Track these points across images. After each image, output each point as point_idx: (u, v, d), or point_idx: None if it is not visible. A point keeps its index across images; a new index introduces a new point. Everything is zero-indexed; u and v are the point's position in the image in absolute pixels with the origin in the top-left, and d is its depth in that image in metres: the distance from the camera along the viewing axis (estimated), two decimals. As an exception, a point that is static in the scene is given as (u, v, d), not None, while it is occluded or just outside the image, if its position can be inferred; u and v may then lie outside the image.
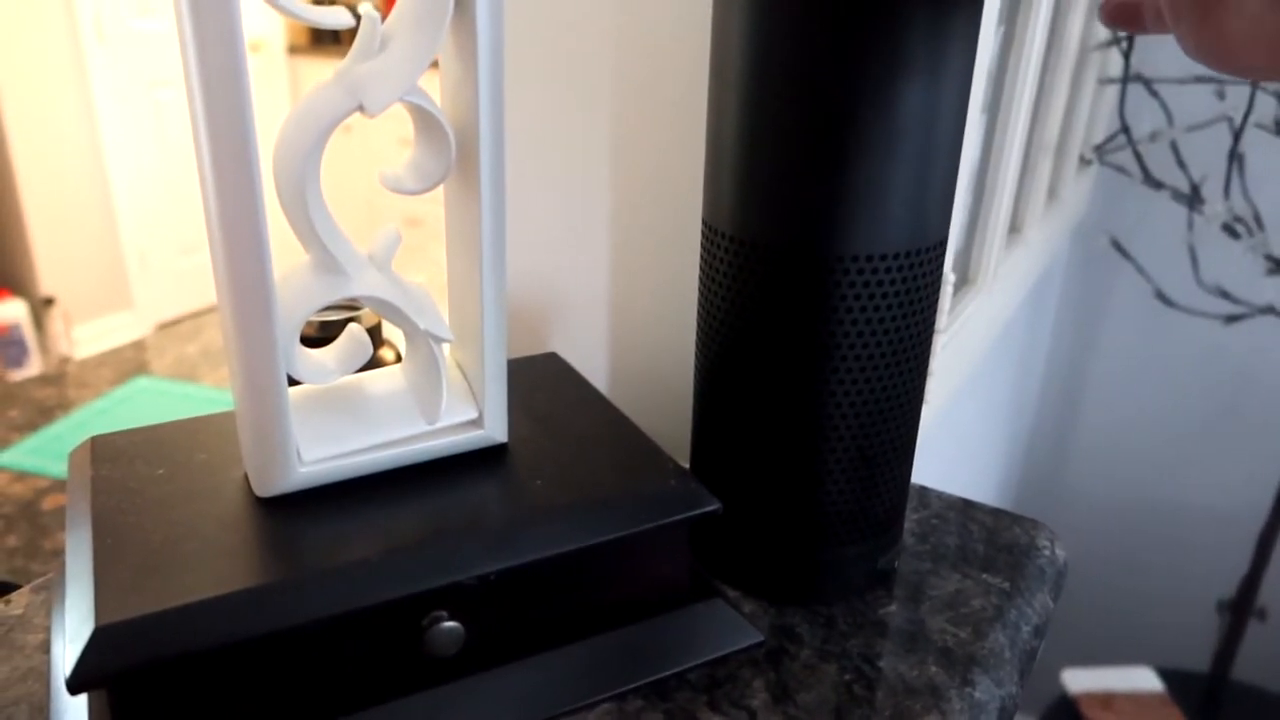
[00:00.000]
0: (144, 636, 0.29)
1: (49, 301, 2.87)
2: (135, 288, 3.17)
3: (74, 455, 0.39)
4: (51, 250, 2.89)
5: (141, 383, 1.32)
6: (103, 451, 0.38)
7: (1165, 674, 1.46)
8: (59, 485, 1.04)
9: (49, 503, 1.00)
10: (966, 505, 0.51)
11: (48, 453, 1.12)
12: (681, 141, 0.50)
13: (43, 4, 2.78)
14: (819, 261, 0.36)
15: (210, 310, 3.34)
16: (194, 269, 3.36)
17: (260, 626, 0.31)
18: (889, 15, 0.33)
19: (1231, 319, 1.31)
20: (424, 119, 0.33)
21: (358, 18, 0.31)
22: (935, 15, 0.34)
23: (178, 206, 3.28)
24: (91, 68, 2.93)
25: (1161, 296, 1.35)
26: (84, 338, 2.95)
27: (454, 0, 0.32)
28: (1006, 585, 0.45)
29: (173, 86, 3.21)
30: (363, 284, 0.34)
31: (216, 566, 0.32)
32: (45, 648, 0.39)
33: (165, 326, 3.19)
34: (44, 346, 2.83)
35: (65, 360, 2.78)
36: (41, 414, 1.19)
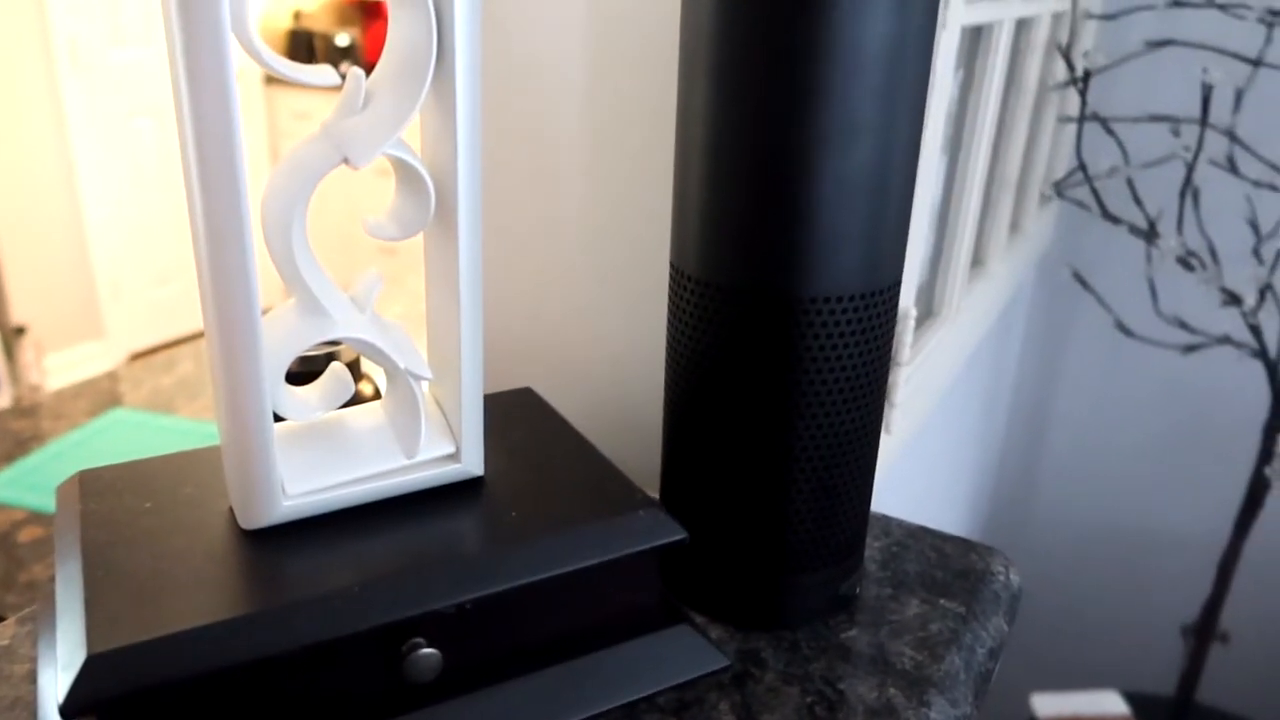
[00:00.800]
0: (135, 664, 0.31)
1: (20, 330, 2.85)
2: (108, 317, 3.15)
3: (62, 489, 0.40)
4: (23, 279, 2.87)
5: (118, 414, 1.32)
6: (91, 486, 0.40)
7: (1131, 697, 1.49)
8: (35, 517, 1.04)
9: (25, 535, 1.00)
10: (926, 533, 0.53)
11: (23, 484, 1.12)
12: (650, 189, 0.52)
13: (18, 32, 2.78)
14: (780, 303, 0.39)
15: (183, 341, 3.33)
16: (167, 299, 3.35)
17: (247, 654, 0.32)
18: (842, 80, 0.35)
19: (1189, 349, 1.35)
20: (405, 170, 0.35)
21: (343, 75, 0.33)
22: (885, 78, 0.36)
23: (151, 236, 3.28)
24: (66, 96, 2.93)
25: (1122, 327, 1.38)
26: (55, 367, 2.93)
27: (434, 60, 0.34)
28: (963, 610, 0.47)
29: (148, 116, 3.21)
30: (346, 326, 0.36)
31: (204, 597, 0.33)
32: (32, 678, 0.40)
33: (137, 357, 3.18)
34: (14, 376, 2.80)
35: (35, 389, 2.76)
36: (17, 445, 1.19)
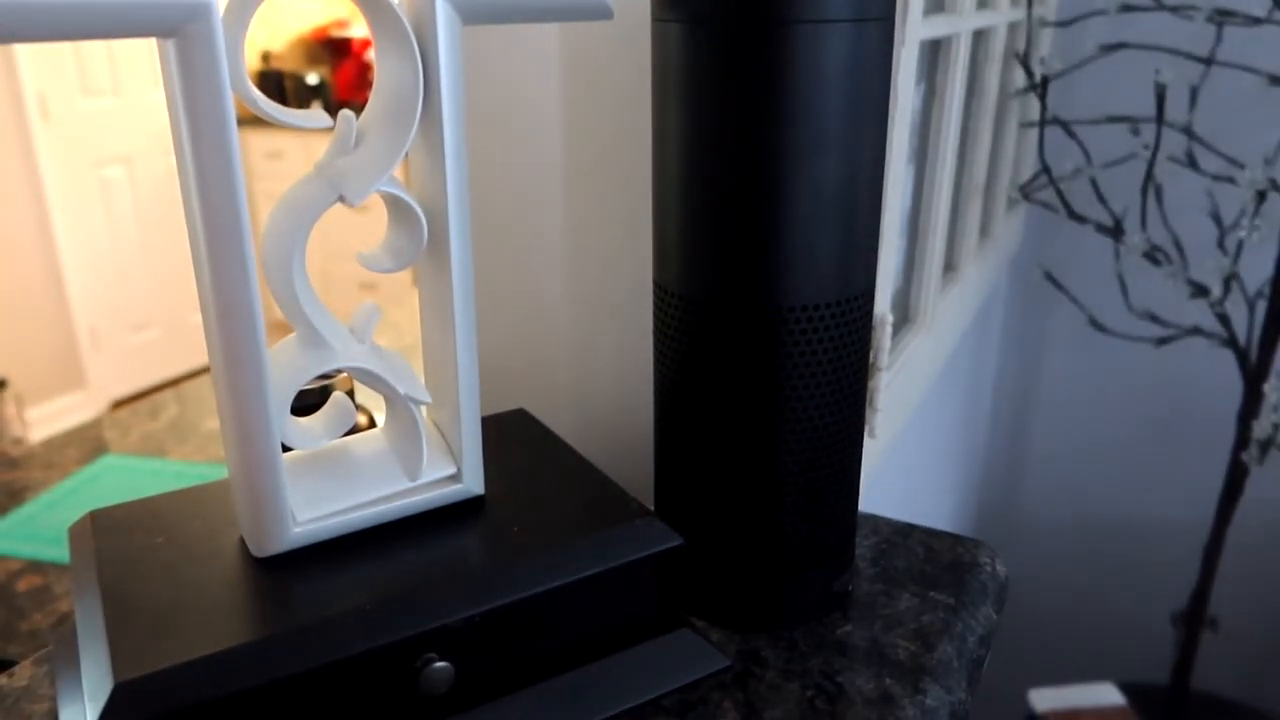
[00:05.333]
0: (161, 690, 0.32)
1: (1, 384, 2.84)
2: (88, 367, 3.15)
3: (74, 529, 0.42)
4: (1, 332, 2.87)
5: (109, 460, 1.32)
6: (102, 524, 0.41)
7: (1127, 688, 1.50)
8: (33, 566, 1.04)
9: (23, 584, 1.00)
10: (913, 529, 0.55)
11: (18, 535, 1.12)
12: (630, 212, 0.54)
13: (-12, 90, 2.79)
14: (758, 314, 0.40)
15: (164, 386, 3.32)
16: (146, 345, 3.35)
17: (266, 676, 0.33)
18: (805, 102, 0.37)
19: (1162, 341, 1.38)
20: (398, 205, 0.37)
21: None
22: (847, 98, 0.38)
23: (128, 283, 3.28)
24: (38, 147, 2.94)
25: (1095, 323, 1.41)
26: (37, 419, 2.92)
27: (421, 101, 0.35)
28: (952, 600, 0.49)
29: (120, 164, 3.22)
30: (347, 356, 0.37)
31: (222, 623, 0.34)
32: (51, 715, 0.41)
33: (120, 405, 3.17)
34: (-3, 431, 2.79)
35: (18, 442, 2.74)
36: (10, 497, 1.20)
